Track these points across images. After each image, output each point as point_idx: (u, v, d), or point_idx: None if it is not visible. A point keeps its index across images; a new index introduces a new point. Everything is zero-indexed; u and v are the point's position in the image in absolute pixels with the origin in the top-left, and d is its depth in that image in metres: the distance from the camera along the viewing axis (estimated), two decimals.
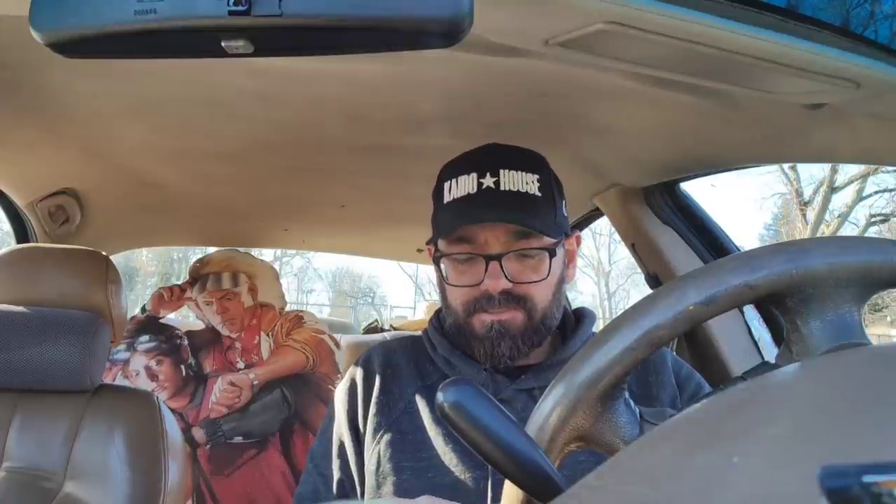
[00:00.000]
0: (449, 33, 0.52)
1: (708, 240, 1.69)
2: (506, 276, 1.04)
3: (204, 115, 1.41)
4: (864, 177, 15.13)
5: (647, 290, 1.67)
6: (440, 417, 0.52)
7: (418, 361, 1.18)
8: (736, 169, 1.55)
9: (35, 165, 1.78)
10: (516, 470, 0.51)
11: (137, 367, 2.46)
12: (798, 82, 0.89)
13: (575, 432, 0.55)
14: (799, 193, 16.52)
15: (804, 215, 16.34)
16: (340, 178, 1.95)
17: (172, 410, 2.05)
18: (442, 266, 1.10)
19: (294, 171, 1.88)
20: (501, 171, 1.04)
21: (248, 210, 2.41)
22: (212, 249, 2.76)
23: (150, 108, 1.39)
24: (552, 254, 1.05)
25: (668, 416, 0.56)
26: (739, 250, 1.54)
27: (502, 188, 1.03)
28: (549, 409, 0.55)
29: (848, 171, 15.28)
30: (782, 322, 0.57)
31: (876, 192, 16.03)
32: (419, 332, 1.24)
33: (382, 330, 3.53)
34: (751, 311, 1.67)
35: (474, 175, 1.05)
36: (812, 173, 16.71)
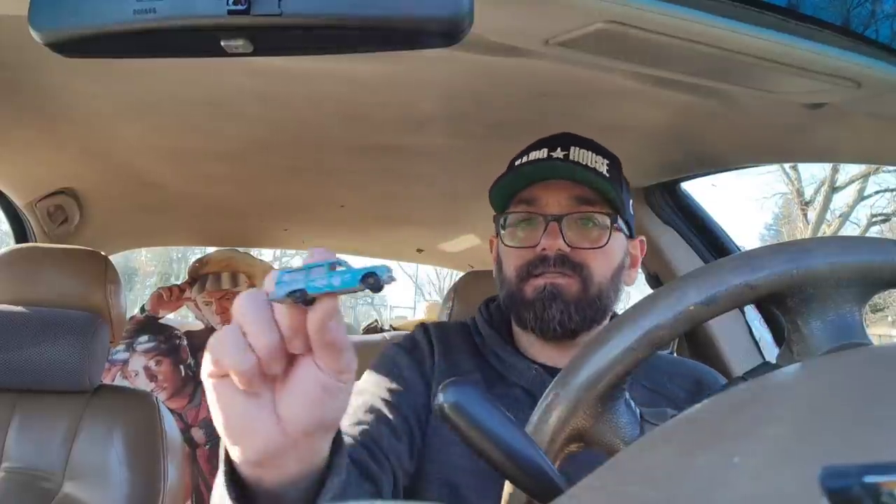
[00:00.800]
0: (449, 33, 0.51)
1: (708, 239, 1.69)
2: (564, 239, 1.00)
3: (203, 114, 1.41)
4: (865, 176, 15.13)
5: (648, 290, 1.67)
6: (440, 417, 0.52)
7: (470, 349, 1.10)
8: (736, 168, 1.55)
9: (34, 165, 1.78)
10: (516, 471, 0.51)
11: (136, 368, 2.46)
12: (799, 82, 0.89)
13: (575, 433, 0.55)
14: (800, 193, 16.52)
15: (805, 215, 16.35)
16: (340, 178, 1.94)
17: (171, 411, 2.04)
18: (501, 235, 1.07)
19: (294, 171, 1.88)
20: (572, 148, 1.02)
21: (247, 210, 2.41)
22: (211, 249, 2.76)
23: (149, 108, 1.39)
24: (614, 222, 1.01)
25: (669, 416, 0.56)
26: (740, 250, 1.54)
27: (573, 158, 1.01)
28: (549, 409, 0.55)
29: (849, 170, 15.28)
30: (783, 322, 0.56)
31: (877, 192, 16.03)
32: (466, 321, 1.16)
33: (382, 330, 3.53)
34: (752, 312, 1.67)
35: (545, 150, 1.03)
36: (813, 173, 16.70)
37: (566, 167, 1.01)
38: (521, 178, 1.04)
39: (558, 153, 1.02)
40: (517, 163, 1.06)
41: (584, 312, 1.01)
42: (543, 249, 1.00)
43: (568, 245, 1.00)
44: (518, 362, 1.05)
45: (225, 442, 0.57)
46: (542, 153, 1.03)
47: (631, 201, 1.08)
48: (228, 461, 0.59)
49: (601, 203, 1.01)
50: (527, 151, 1.06)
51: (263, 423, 0.53)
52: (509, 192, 1.06)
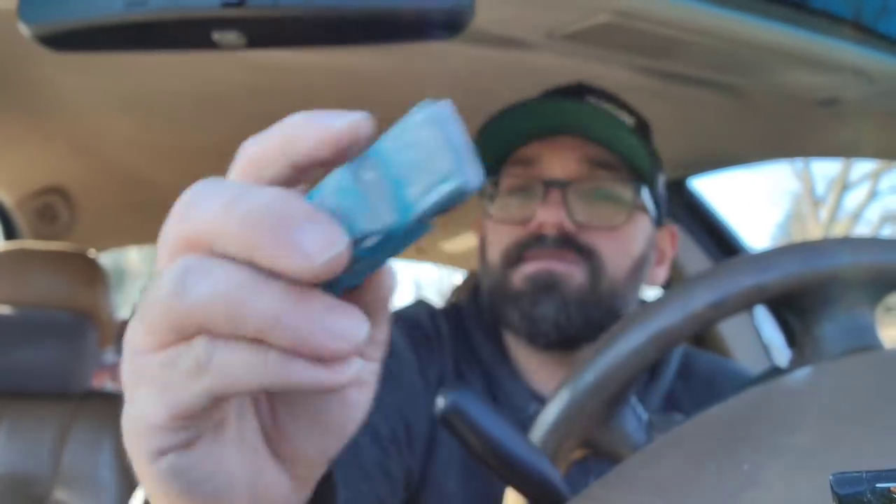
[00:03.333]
0: (450, 25, 0.51)
1: (718, 239, 1.68)
2: (568, 213, 0.76)
3: (195, 110, 1.40)
4: (877, 174, 15.10)
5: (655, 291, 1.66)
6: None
7: (456, 349, 0.86)
8: (747, 165, 1.54)
9: (21, 162, 1.78)
10: (520, 478, 0.50)
11: None
12: (811, 77, 0.88)
13: (580, 439, 0.54)
14: (811, 191, 16.50)
15: (816, 214, 16.32)
16: None
17: None
18: (488, 208, 0.84)
19: None
20: (589, 98, 0.81)
21: None
22: None
23: (140, 103, 1.38)
24: (638, 196, 0.79)
25: (677, 422, 0.55)
26: (750, 250, 1.52)
27: (592, 103, 0.80)
28: (554, 414, 0.54)
29: (861, 168, 15.26)
30: (794, 324, 0.56)
31: (890, 191, 15.99)
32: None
33: None
34: (761, 313, 1.66)
35: (554, 99, 0.83)
36: (825, 171, 16.68)
37: (580, 113, 0.78)
38: (516, 128, 0.82)
39: (574, 100, 0.81)
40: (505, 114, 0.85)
41: (588, 313, 0.77)
42: (540, 225, 0.77)
43: (573, 222, 0.77)
44: (515, 390, 0.82)
45: None
46: (559, 99, 0.83)
47: (662, 178, 0.85)
48: None
49: (623, 169, 0.79)
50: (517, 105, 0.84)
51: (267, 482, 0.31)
52: (503, 149, 0.83)
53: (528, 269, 0.77)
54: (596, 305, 0.77)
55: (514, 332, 0.80)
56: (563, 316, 0.76)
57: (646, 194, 0.81)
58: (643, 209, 0.80)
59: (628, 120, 0.80)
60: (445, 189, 0.24)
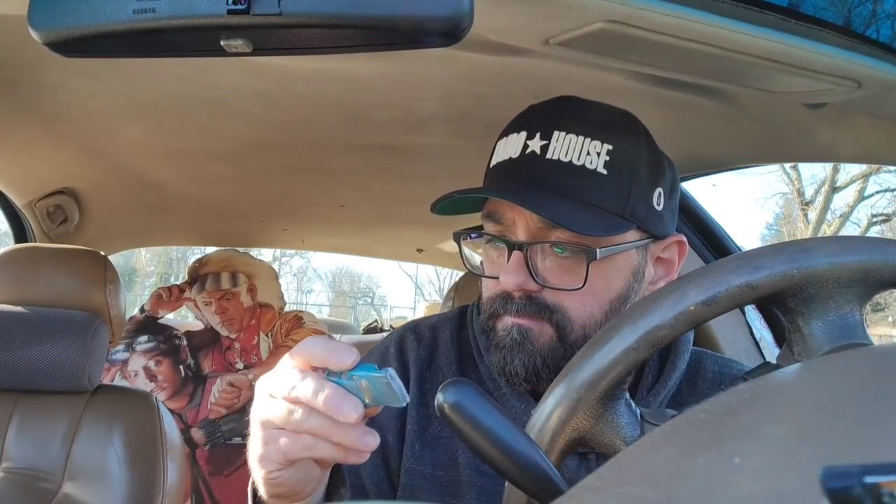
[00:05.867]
0: (449, 32, 0.51)
1: (709, 239, 1.69)
2: (531, 273, 0.79)
3: (203, 114, 1.41)
4: (865, 176, 15.14)
5: None
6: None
7: (462, 359, 0.92)
8: (737, 168, 1.55)
9: (33, 165, 1.78)
10: (516, 471, 0.51)
11: (136, 368, 2.46)
12: (799, 81, 0.89)
13: (575, 433, 0.55)
14: (800, 193, 16.52)
15: (806, 215, 16.34)
16: (340, 178, 1.94)
17: (171, 411, 2.04)
18: (466, 250, 0.88)
19: (293, 171, 1.88)
20: (556, 134, 0.79)
21: (247, 210, 2.41)
22: (211, 249, 2.76)
23: (148, 108, 1.39)
24: (591, 256, 0.78)
25: (670, 416, 0.56)
26: (741, 250, 1.54)
27: (549, 156, 0.79)
28: (549, 409, 0.55)
29: (849, 170, 15.29)
30: (784, 322, 0.56)
31: (878, 192, 16.04)
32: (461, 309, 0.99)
33: (382, 330, 3.53)
34: (752, 312, 1.67)
35: (523, 134, 0.81)
36: (814, 173, 16.70)
37: (541, 171, 0.79)
38: (486, 189, 0.84)
39: (535, 143, 0.80)
40: (494, 156, 0.87)
41: (558, 363, 0.79)
42: (505, 287, 0.81)
43: (536, 282, 0.80)
44: (515, 402, 0.87)
45: (264, 488, 0.71)
46: (518, 142, 0.82)
47: (660, 191, 0.83)
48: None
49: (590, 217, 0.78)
50: (508, 130, 0.86)
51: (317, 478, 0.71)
52: (478, 203, 0.86)
53: (503, 323, 0.82)
54: (565, 356, 0.79)
55: (495, 372, 0.86)
56: (532, 369, 0.80)
57: (624, 230, 0.80)
58: (594, 255, 0.78)
59: (598, 154, 0.79)
60: (398, 403, 0.61)
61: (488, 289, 0.86)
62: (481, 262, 0.89)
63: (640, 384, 0.89)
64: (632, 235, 0.82)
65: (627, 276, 0.83)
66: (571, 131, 0.80)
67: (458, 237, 0.88)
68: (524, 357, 0.80)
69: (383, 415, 0.83)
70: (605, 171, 0.79)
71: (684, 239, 0.88)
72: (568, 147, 0.79)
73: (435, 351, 0.94)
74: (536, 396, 0.83)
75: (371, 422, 0.69)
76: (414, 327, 0.98)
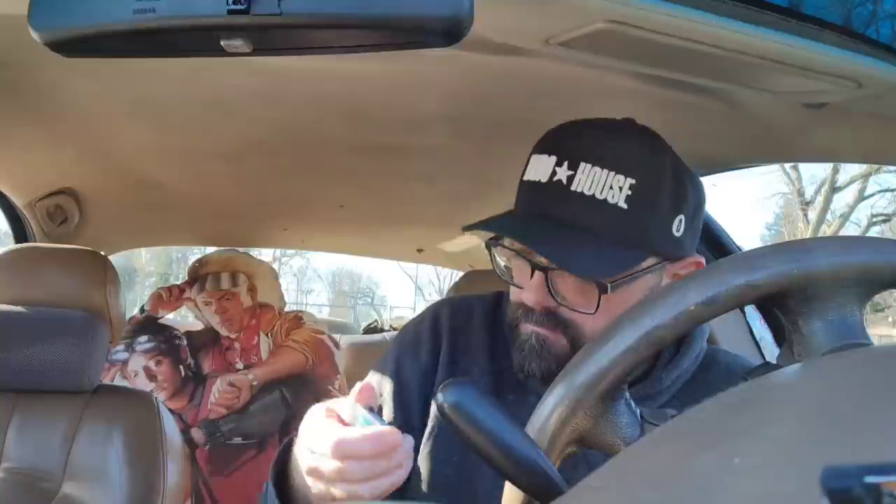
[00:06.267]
0: (449, 32, 0.51)
1: (709, 239, 1.69)
2: (551, 293, 0.85)
3: (203, 114, 1.41)
4: (865, 176, 15.14)
5: None
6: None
7: (495, 345, 0.98)
8: (737, 168, 1.55)
9: (34, 165, 1.78)
10: (516, 471, 0.51)
11: (136, 368, 2.46)
12: (799, 81, 0.89)
13: (575, 433, 0.55)
14: (801, 193, 16.52)
15: (806, 215, 16.35)
16: (340, 178, 1.95)
17: (171, 411, 2.05)
18: (496, 254, 0.94)
19: (294, 171, 1.88)
20: (582, 165, 0.83)
21: (247, 210, 2.41)
22: (211, 249, 2.76)
23: (149, 108, 1.39)
24: (602, 290, 0.82)
25: (669, 416, 0.56)
26: (741, 250, 1.54)
27: (573, 187, 0.83)
28: (549, 409, 0.55)
29: (850, 170, 15.29)
30: (784, 322, 0.56)
31: (878, 192, 16.05)
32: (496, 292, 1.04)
33: (382, 330, 3.53)
34: (752, 312, 1.67)
35: (553, 159, 0.85)
36: (814, 173, 16.71)
37: (564, 202, 0.84)
38: (515, 205, 0.91)
39: (563, 172, 0.84)
40: (527, 171, 0.90)
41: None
42: (526, 301, 0.88)
43: (555, 300, 0.85)
44: (541, 389, 0.87)
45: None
46: (547, 166, 0.86)
47: (681, 218, 0.86)
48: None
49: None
50: (538, 148, 0.89)
51: None
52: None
53: (526, 328, 0.88)
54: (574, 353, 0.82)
55: (515, 368, 0.91)
56: (547, 372, 0.86)
57: (639, 261, 0.85)
58: (639, 272, 0.84)
59: (621, 188, 0.82)
60: None
61: (513, 294, 0.92)
62: (506, 267, 0.94)
63: (657, 362, 0.93)
64: (649, 262, 0.86)
65: (640, 296, 0.85)
66: (597, 164, 0.83)
67: (489, 245, 0.93)
68: (540, 362, 0.87)
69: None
70: (625, 206, 0.82)
71: (703, 260, 0.91)
72: (592, 180, 0.83)
73: (469, 333, 1.00)
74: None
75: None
76: (450, 302, 1.06)
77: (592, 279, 0.83)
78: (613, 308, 0.82)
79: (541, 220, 0.86)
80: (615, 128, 0.89)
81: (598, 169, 0.83)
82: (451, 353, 0.98)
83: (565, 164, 0.84)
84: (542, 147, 0.89)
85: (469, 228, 0.90)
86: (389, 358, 1.02)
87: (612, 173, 0.82)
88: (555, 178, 0.84)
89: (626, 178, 0.82)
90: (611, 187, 0.82)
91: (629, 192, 0.82)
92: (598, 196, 0.82)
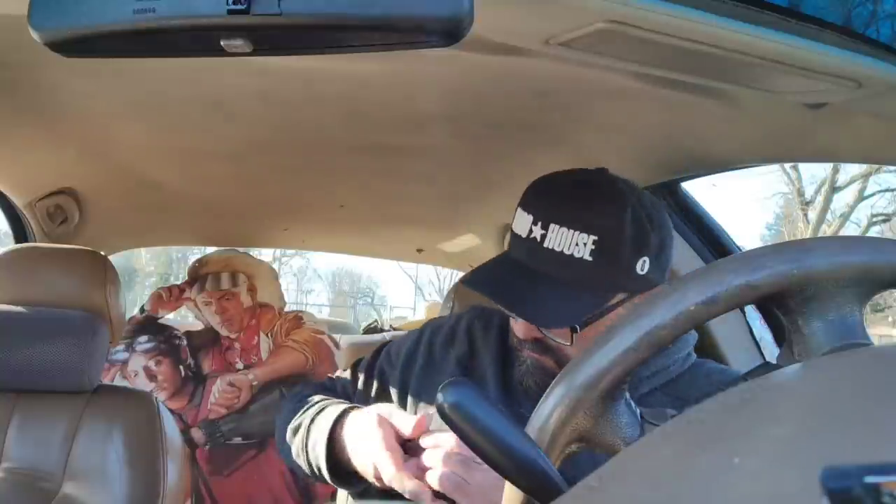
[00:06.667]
0: (449, 32, 0.52)
1: (709, 239, 1.69)
2: (536, 326, 1.00)
3: (203, 114, 1.41)
4: (865, 176, 15.14)
5: None
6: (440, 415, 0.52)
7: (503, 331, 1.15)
8: (737, 168, 1.55)
9: (34, 165, 1.78)
10: (516, 471, 0.51)
11: (136, 368, 2.46)
12: (799, 81, 0.89)
13: (575, 433, 0.55)
14: (801, 193, 16.53)
15: (806, 215, 16.35)
16: (340, 178, 1.95)
17: (171, 411, 2.05)
18: None
19: (294, 171, 1.88)
20: (552, 226, 0.96)
21: (247, 210, 2.41)
22: (211, 249, 2.76)
23: (149, 108, 1.39)
24: (573, 329, 0.95)
25: (669, 416, 0.56)
26: (741, 250, 1.54)
27: (546, 244, 0.96)
28: (549, 409, 0.55)
29: (850, 170, 15.29)
30: (784, 322, 0.56)
31: (878, 192, 16.04)
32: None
33: (382, 330, 3.53)
34: (752, 312, 1.67)
35: (531, 217, 0.98)
36: (814, 173, 16.70)
37: (538, 256, 0.97)
38: (505, 248, 1.05)
39: (537, 230, 0.97)
40: (514, 220, 1.03)
41: None
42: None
43: (541, 331, 0.99)
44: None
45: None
46: (527, 223, 0.98)
47: (644, 259, 0.97)
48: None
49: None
50: (522, 204, 1.02)
51: None
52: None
53: (523, 353, 1.04)
54: None
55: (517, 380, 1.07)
56: (543, 386, 0.94)
57: (605, 302, 0.97)
58: (609, 309, 0.97)
59: (584, 247, 0.94)
60: None
61: (510, 322, 1.06)
62: None
63: None
64: (617, 298, 0.98)
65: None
66: (564, 225, 0.95)
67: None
68: (537, 377, 1.02)
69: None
70: (590, 259, 0.94)
71: None
72: (561, 239, 0.95)
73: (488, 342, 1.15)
74: None
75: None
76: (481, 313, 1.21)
77: (566, 326, 0.95)
78: (585, 338, 0.93)
79: (520, 270, 0.99)
80: (584, 183, 1.01)
81: (565, 229, 0.95)
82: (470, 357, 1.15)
83: (539, 223, 0.97)
84: (524, 203, 1.01)
85: (466, 286, 1.03)
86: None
87: (578, 233, 0.94)
88: (531, 235, 0.97)
89: (589, 235, 0.94)
90: (577, 244, 0.94)
91: (593, 247, 0.94)
92: (566, 252, 0.95)
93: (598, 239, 0.94)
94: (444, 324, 1.22)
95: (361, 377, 1.24)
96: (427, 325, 1.24)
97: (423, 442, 0.93)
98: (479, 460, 0.68)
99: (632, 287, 0.98)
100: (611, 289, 0.97)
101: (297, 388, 1.29)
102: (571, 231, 0.95)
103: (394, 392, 1.19)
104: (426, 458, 0.91)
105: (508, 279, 1.00)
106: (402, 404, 1.16)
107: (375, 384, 1.21)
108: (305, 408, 1.15)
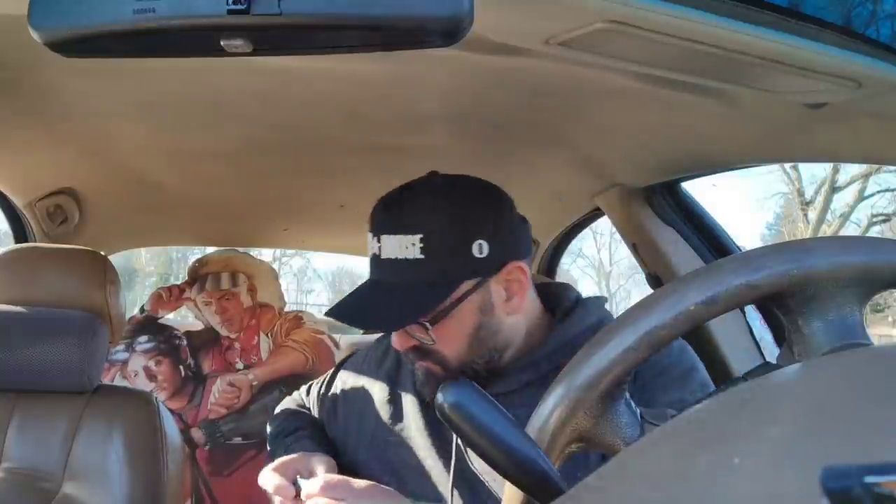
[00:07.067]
0: (449, 32, 0.52)
1: (709, 239, 1.69)
2: (409, 334, 1.04)
3: (203, 114, 1.41)
4: (865, 176, 15.15)
5: (649, 290, 1.67)
6: (440, 418, 0.52)
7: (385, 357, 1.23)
8: (737, 168, 1.55)
9: (34, 165, 1.78)
10: (516, 471, 0.51)
11: (136, 368, 2.46)
12: (799, 81, 0.89)
13: (576, 433, 0.55)
14: (801, 193, 16.53)
15: (806, 215, 16.36)
16: (340, 178, 1.94)
17: (171, 411, 2.05)
18: None
19: (293, 171, 1.88)
20: (382, 237, 1.03)
21: (247, 210, 2.41)
22: (211, 249, 2.76)
23: (149, 108, 1.39)
24: (424, 328, 1.01)
25: (669, 416, 0.56)
26: (741, 250, 1.54)
27: (383, 256, 1.03)
28: (549, 409, 0.55)
29: (850, 170, 15.30)
30: (784, 322, 0.56)
31: (878, 192, 16.04)
32: None
33: None
34: (752, 312, 1.67)
35: (370, 235, 1.06)
36: (814, 173, 16.72)
37: (381, 269, 1.04)
38: None
39: (375, 246, 1.04)
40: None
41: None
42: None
43: (413, 340, 1.04)
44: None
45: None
46: (370, 243, 1.06)
47: (479, 242, 1.01)
48: None
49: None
50: (369, 226, 1.08)
51: None
52: None
53: (415, 367, 1.10)
54: (453, 372, 1.05)
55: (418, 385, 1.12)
56: (431, 386, 1.07)
57: (450, 292, 1.01)
58: (460, 299, 1.01)
59: (414, 247, 0.99)
60: None
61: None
62: None
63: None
64: (465, 286, 1.01)
65: (475, 314, 1.03)
66: (391, 233, 1.02)
67: None
68: (430, 385, 1.07)
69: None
70: (423, 256, 0.99)
71: (522, 265, 1.05)
72: (392, 246, 1.02)
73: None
74: None
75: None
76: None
77: (412, 324, 1.01)
78: (451, 332, 1.03)
79: (370, 287, 1.06)
80: (406, 190, 1.07)
81: (393, 236, 1.02)
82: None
83: (375, 238, 1.04)
84: (370, 222, 1.08)
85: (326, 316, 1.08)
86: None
87: (403, 236, 1.00)
88: (373, 252, 1.05)
89: (414, 235, 1.00)
90: (406, 247, 1.00)
91: (421, 245, 0.99)
92: (399, 257, 1.01)
93: (423, 237, 1.00)
94: (383, 342, 1.28)
95: (316, 406, 1.35)
96: (371, 348, 1.31)
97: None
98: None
99: (478, 271, 1.02)
100: (452, 279, 1.01)
101: (279, 411, 1.40)
102: (398, 236, 1.01)
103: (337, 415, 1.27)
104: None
105: (358, 299, 1.06)
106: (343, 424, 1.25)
107: (327, 408, 1.31)
108: (280, 445, 1.23)
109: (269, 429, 1.32)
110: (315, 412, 1.34)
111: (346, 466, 1.14)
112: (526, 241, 1.10)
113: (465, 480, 1.04)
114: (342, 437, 1.23)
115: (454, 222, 1.01)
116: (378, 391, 1.20)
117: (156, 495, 1.39)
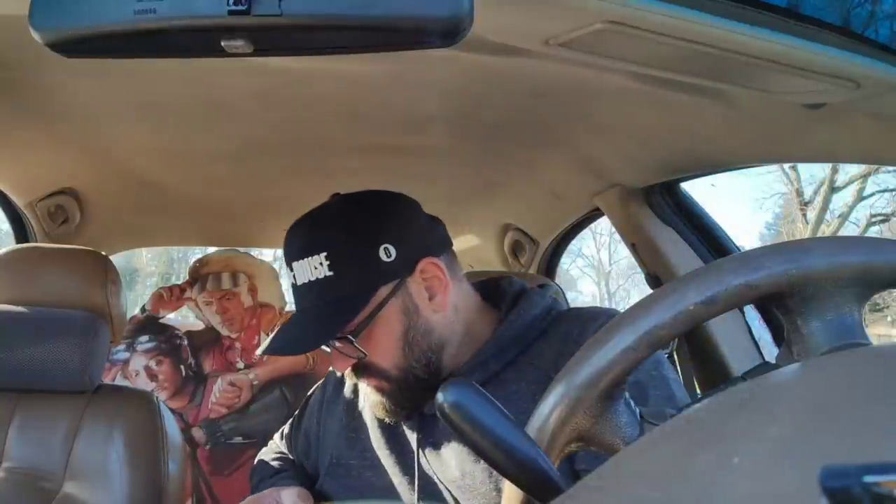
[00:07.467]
0: (449, 33, 0.52)
1: (708, 240, 1.69)
2: (342, 353, 1.05)
3: (204, 114, 1.41)
4: (864, 177, 15.13)
5: (648, 290, 1.67)
6: (440, 416, 0.52)
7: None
8: (736, 169, 1.55)
9: (34, 165, 1.78)
10: (516, 470, 0.51)
11: (137, 367, 2.46)
12: (798, 82, 0.89)
13: (575, 432, 0.55)
14: (799, 193, 16.53)
15: (805, 215, 16.35)
16: (340, 178, 1.94)
17: (172, 410, 2.05)
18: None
19: (293, 171, 1.88)
20: (293, 265, 1.05)
21: (247, 210, 2.40)
22: (211, 249, 2.76)
23: (149, 108, 1.39)
24: (349, 341, 1.01)
25: (669, 416, 0.56)
26: (740, 250, 1.54)
27: (298, 283, 1.04)
28: (549, 409, 0.55)
29: (848, 170, 15.29)
30: (783, 322, 0.56)
31: (876, 192, 16.02)
32: None
33: None
34: (751, 311, 1.67)
35: (287, 268, 1.07)
36: (813, 173, 16.69)
37: (300, 296, 1.05)
38: None
39: (290, 275, 1.06)
40: None
41: (404, 390, 1.06)
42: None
43: (349, 357, 1.04)
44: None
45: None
46: (287, 270, 1.07)
47: (385, 247, 1.04)
48: None
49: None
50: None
51: None
52: None
53: (362, 385, 1.12)
54: (411, 385, 1.05)
55: None
56: (391, 408, 1.08)
57: (366, 300, 1.01)
58: (380, 305, 1.01)
59: (322, 267, 1.01)
60: None
61: None
62: None
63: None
64: (382, 292, 1.02)
65: (399, 317, 1.04)
66: (298, 259, 1.04)
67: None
68: (384, 402, 1.07)
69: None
70: (332, 273, 1.01)
71: (436, 261, 1.06)
72: (303, 271, 1.03)
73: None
74: (421, 414, 1.09)
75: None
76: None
77: (337, 338, 1.01)
78: (381, 341, 1.03)
79: (295, 317, 1.06)
80: (309, 218, 1.09)
81: (301, 262, 1.03)
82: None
83: (289, 268, 1.06)
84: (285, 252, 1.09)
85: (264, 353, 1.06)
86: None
87: (309, 258, 1.02)
88: (292, 282, 1.06)
89: (318, 255, 1.02)
90: (315, 268, 1.02)
91: (328, 262, 1.01)
92: (311, 279, 1.02)
93: (328, 254, 1.01)
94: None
95: (287, 447, 1.39)
96: (330, 379, 1.32)
97: None
98: None
99: (390, 274, 1.03)
100: (367, 288, 1.02)
101: (257, 461, 1.42)
102: (305, 260, 1.03)
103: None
104: None
105: (284, 331, 1.06)
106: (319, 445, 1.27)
107: (299, 445, 1.33)
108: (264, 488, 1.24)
109: (251, 482, 1.36)
110: (289, 453, 1.38)
111: (320, 497, 1.17)
112: (437, 238, 1.11)
113: (430, 494, 1.05)
114: (314, 469, 1.26)
115: (355, 233, 1.04)
116: (339, 418, 1.21)
117: (156, 495, 1.39)
